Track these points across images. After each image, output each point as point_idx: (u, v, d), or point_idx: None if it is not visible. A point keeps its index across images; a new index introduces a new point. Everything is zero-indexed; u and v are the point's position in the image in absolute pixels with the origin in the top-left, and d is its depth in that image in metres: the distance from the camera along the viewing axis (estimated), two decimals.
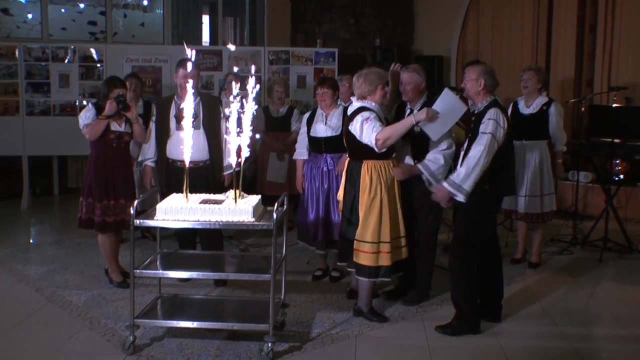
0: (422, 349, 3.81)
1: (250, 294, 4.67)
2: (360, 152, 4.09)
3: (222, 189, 4.41)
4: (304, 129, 5.00)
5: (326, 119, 4.84)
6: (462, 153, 3.98)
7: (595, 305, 4.62)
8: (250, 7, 9.81)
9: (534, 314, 4.40)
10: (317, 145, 4.88)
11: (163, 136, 4.82)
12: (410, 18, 9.44)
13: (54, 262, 5.41)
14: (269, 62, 8.02)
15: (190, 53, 3.97)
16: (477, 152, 3.76)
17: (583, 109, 6.52)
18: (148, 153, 4.89)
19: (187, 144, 3.67)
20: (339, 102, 4.97)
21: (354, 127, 4.05)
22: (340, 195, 4.32)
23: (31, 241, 6.31)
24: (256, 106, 5.12)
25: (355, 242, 4.10)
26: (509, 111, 5.48)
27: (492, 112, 3.81)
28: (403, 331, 4.08)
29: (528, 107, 5.34)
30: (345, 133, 4.19)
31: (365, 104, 4.09)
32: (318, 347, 3.82)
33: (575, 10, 7.90)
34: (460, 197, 3.82)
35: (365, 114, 4.03)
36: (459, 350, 3.82)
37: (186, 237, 4.99)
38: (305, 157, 4.97)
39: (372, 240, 4.04)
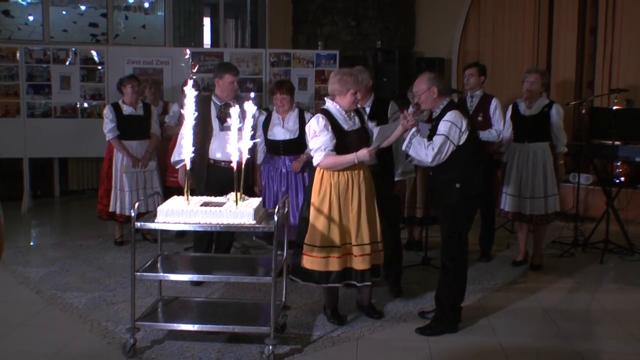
0: (423, 351, 3.80)
1: (251, 296, 4.67)
2: None
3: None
4: (260, 132, 4.96)
5: (283, 122, 4.90)
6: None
7: (597, 307, 4.62)
8: (252, 8, 9.82)
9: (535, 316, 4.40)
10: (275, 147, 4.92)
11: (203, 137, 4.69)
12: (411, 20, 9.45)
13: (54, 264, 5.41)
14: (270, 64, 8.02)
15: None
16: (429, 151, 3.86)
17: (584, 111, 6.52)
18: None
19: (187, 145, 3.64)
20: (294, 106, 5.00)
21: (307, 130, 3.97)
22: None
23: (32, 243, 6.30)
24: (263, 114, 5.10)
25: (304, 246, 3.97)
26: (509, 113, 5.48)
27: (449, 115, 3.87)
28: (404, 333, 4.07)
29: (529, 109, 5.33)
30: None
31: (330, 106, 3.95)
32: (319, 350, 3.81)
33: (576, 12, 7.89)
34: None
35: (321, 122, 3.86)
36: (459, 352, 3.82)
37: (203, 240, 4.94)
38: (260, 160, 5.01)
39: (322, 245, 3.91)
